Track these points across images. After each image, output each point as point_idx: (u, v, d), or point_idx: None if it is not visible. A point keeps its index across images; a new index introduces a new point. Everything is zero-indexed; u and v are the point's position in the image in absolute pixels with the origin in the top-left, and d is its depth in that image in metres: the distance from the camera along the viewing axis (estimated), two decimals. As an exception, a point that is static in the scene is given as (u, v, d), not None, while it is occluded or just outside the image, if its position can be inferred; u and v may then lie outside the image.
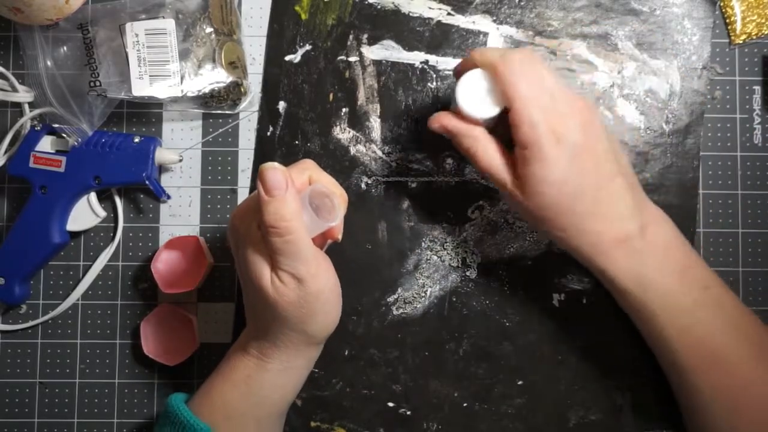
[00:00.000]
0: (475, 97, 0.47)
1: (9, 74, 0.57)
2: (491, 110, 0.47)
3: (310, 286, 0.44)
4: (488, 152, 0.48)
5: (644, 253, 0.48)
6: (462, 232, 0.57)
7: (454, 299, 0.57)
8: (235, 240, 0.47)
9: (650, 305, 0.49)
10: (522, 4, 0.58)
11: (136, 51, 0.53)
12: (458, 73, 0.50)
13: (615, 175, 0.47)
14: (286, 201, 0.43)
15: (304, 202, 0.44)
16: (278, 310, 0.45)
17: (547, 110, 0.45)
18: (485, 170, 0.48)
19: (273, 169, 0.44)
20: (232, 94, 0.56)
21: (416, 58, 0.58)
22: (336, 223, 0.46)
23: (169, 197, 0.58)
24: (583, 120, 0.46)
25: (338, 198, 0.46)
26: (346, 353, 0.57)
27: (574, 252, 0.49)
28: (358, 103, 0.58)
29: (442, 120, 0.49)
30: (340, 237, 0.49)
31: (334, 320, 0.48)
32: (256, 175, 0.44)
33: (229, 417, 0.47)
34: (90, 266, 0.57)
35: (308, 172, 0.47)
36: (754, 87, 0.58)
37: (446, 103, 0.57)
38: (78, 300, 0.57)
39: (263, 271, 0.45)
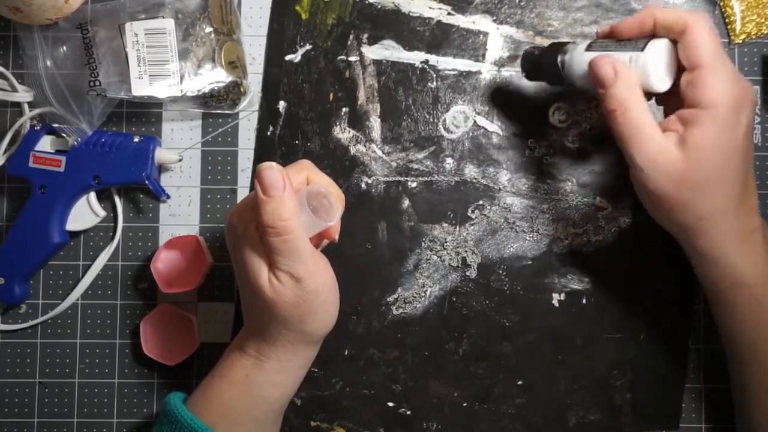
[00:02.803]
0: (661, 69, 0.46)
1: (9, 74, 0.57)
2: (668, 84, 0.46)
3: (308, 286, 0.44)
4: (646, 104, 0.46)
5: (764, 247, 0.48)
6: (462, 232, 0.57)
7: (454, 299, 0.57)
8: (233, 240, 0.47)
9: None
10: (522, 3, 0.58)
11: (136, 51, 0.53)
12: (604, 34, 0.49)
13: (751, 166, 0.47)
14: (284, 201, 0.43)
15: (302, 201, 0.44)
16: (276, 309, 0.45)
17: (735, 79, 0.45)
18: (634, 129, 0.45)
19: (270, 169, 0.43)
20: (232, 93, 0.56)
21: (416, 57, 0.57)
22: (333, 222, 0.46)
23: (168, 197, 0.58)
24: (753, 104, 0.46)
25: (335, 198, 0.46)
26: (346, 353, 0.57)
27: (696, 237, 0.47)
28: (358, 102, 0.58)
29: (617, 66, 0.46)
30: (337, 237, 0.49)
31: (331, 319, 0.48)
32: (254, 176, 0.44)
33: (227, 416, 0.47)
34: (90, 266, 0.57)
35: (305, 172, 0.47)
36: (753, 87, 0.58)
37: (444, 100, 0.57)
38: (78, 300, 0.57)
39: (261, 270, 0.45)
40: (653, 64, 0.45)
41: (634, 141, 0.45)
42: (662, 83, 0.46)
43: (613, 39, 0.49)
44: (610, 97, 0.46)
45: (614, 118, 0.46)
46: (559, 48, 0.51)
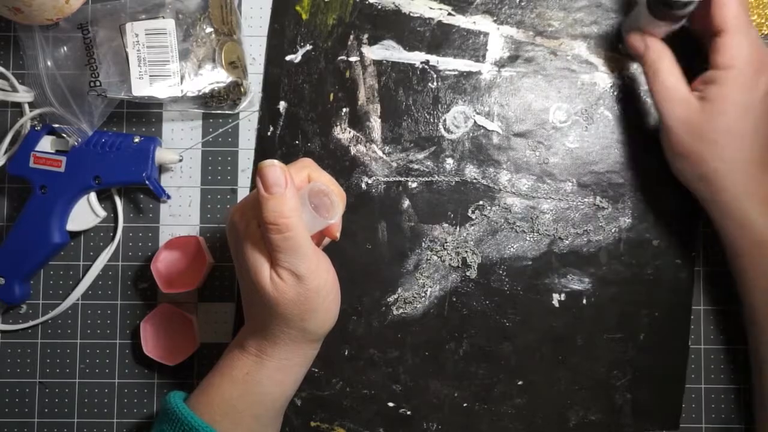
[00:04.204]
0: None
1: (9, 74, 0.57)
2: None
3: (309, 283, 0.45)
4: (674, 67, 0.52)
5: None
6: (462, 233, 0.57)
7: (454, 299, 0.57)
8: (234, 237, 0.47)
9: None
10: (523, 4, 0.58)
11: (136, 51, 0.53)
12: None
13: None
14: (286, 198, 0.43)
15: (303, 199, 0.45)
16: (278, 307, 0.45)
17: (756, 45, 0.50)
18: (661, 84, 0.51)
19: (272, 167, 0.44)
20: (232, 94, 0.56)
21: (417, 58, 0.58)
22: (335, 220, 0.46)
23: (169, 197, 0.58)
24: None
25: (337, 196, 0.47)
26: (346, 353, 0.57)
27: (717, 191, 0.51)
28: (359, 103, 0.58)
29: (646, 38, 0.53)
30: (338, 235, 0.49)
31: (332, 318, 0.48)
32: (256, 174, 0.44)
33: (227, 414, 0.47)
34: (90, 266, 0.57)
35: (307, 170, 0.48)
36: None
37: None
38: (78, 300, 0.57)
39: (262, 268, 0.45)
40: None
41: (662, 94, 0.52)
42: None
43: None
44: (644, 62, 0.53)
45: (647, 76, 0.53)
46: None
